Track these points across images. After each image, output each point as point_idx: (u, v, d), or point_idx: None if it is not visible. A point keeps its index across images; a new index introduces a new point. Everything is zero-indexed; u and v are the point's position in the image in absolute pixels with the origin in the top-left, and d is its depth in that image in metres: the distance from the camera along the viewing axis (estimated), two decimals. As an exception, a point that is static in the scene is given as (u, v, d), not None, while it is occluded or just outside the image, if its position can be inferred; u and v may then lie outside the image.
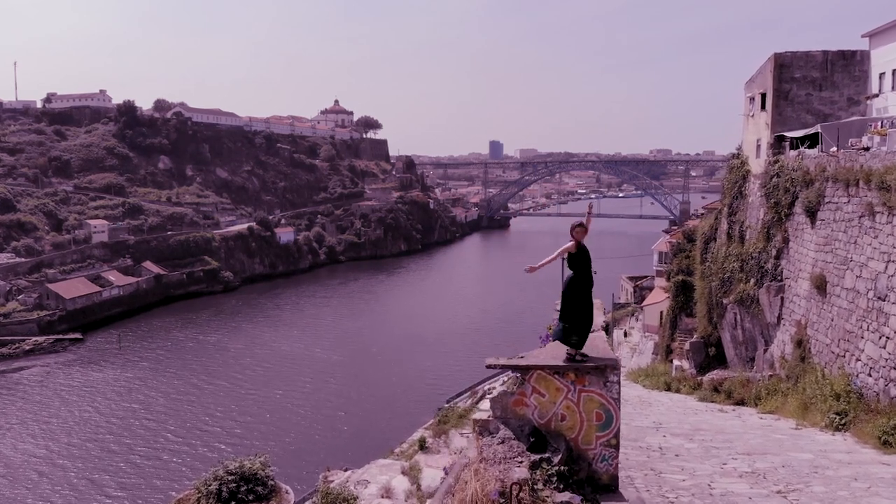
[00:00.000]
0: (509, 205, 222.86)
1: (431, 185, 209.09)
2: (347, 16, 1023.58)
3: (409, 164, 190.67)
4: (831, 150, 16.56)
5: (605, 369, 5.54)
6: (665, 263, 52.99)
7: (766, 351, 18.80)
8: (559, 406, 5.67)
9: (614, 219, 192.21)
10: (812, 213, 16.21)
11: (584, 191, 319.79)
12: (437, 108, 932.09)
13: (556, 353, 5.98)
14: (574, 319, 6.10)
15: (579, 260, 6.57)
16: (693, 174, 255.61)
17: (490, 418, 5.66)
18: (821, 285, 15.43)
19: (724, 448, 9.49)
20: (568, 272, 6.52)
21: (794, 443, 10.26)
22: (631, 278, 64.62)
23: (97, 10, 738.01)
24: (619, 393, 5.59)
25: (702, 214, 42.03)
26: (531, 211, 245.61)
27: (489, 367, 5.84)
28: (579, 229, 6.55)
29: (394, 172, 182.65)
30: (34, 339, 79.86)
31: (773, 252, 18.58)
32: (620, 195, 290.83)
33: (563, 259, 6.57)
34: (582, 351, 5.91)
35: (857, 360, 13.43)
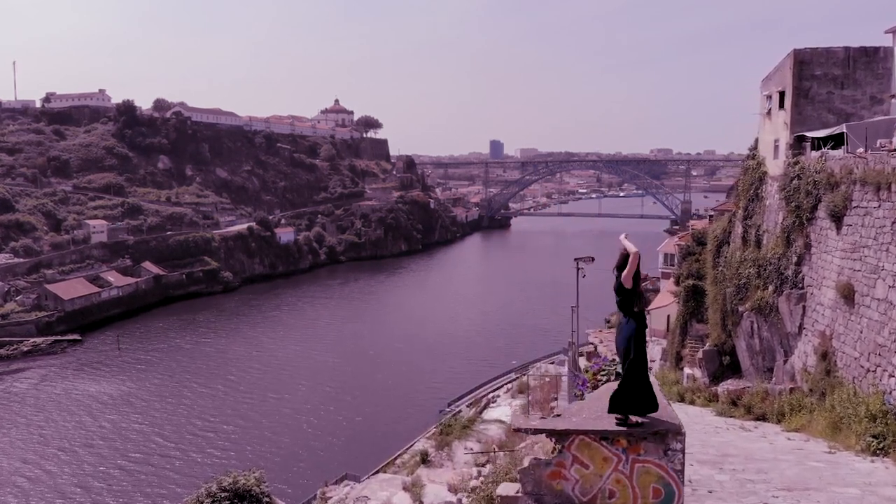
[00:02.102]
0: (510, 204, 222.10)
1: (432, 185, 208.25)
2: (347, 16, 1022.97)
3: (410, 163, 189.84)
4: (858, 151, 15.71)
5: (666, 435, 4.52)
6: (670, 265, 52.00)
7: (785, 362, 17.95)
8: (607, 480, 4.57)
9: (615, 218, 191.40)
10: (837, 218, 15.36)
11: (584, 190, 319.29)
12: (437, 107, 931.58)
13: (600, 409, 4.92)
14: (641, 379, 4.84)
15: (635, 297, 5.47)
16: (694, 174, 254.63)
17: (519, 494, 4.56)
18: (848, 295, 14.57)
19: (759, 481, 8.63)
20: (620, 315, 5.35)
21: (833, 473, 9.40)
22: (635, 280, 63.42)
23: (97, 9, 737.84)
24: (682, 464, 4.52)
25: (710, 216, 41.17)
26: (532, 211, 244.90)
27: (517, 430, 4.78)
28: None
29: (394, 172, 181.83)
30: (32, 340, 79.13)
31: (794, 258, 17.72)
32: (621, 195, 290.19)
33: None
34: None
35: (891, 376, 12.57)
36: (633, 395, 4.53)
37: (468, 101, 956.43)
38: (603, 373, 5.49)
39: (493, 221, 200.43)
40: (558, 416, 4.75)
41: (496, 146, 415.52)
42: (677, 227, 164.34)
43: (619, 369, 5.00)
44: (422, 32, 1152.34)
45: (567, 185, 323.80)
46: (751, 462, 10.02)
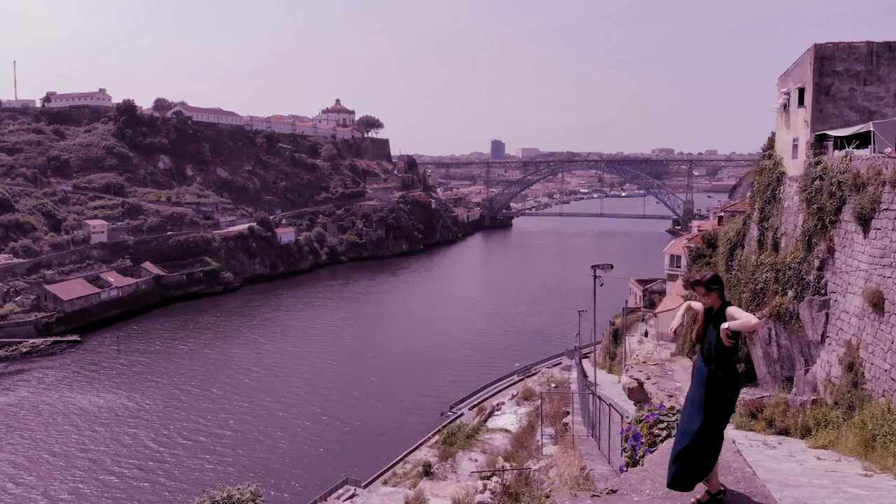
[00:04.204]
0: (511, 204, 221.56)
1: (433, 185, 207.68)
2: (348, 16, 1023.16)
3: (411, 163, 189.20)
4: (887, 150, 14.93)
5: (758, 520, 3.72)
6: (677, 267, 51.22)
7: (807, 372, 17.16)
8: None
9: (617, 219, 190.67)
10: (865, 221, 14.56)
11: (586, 190, 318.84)
12: (438, 107, 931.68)
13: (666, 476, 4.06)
14: (711, 442, 3.98)
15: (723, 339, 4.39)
16: (696, 174, 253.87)
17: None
18: (877, 303, 13.77)
19: (802, 514, 7.80)
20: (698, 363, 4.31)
21: (878, 503, 8.58)
22: (640, 281, 62.64)
23: (100, 10, 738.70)
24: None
25: (719, 216, 40.32)
26: (533, 211, 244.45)
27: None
28: (701, 289, 4.43)
29: (395, 172, 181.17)
30: (31, 341, 78.59)
31: (816, 263, 16.93)
32: (623, 195, 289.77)
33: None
34: (715, 481, 4.07)
35: (928, 390, 11.76)
36: (696, 464, 3.69)
37: (470, 100, 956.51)
38: (661, 425, 4.61)
39: (495, 221, 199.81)
40: (613, 491, 3.87)
41: (497, 146, 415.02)
42: (679, 228, 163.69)
43: (681, 420, 4.18)
44: (423, 32, 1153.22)
45: (568, 185, 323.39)
46: (786, 489, 9.20)
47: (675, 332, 4.55)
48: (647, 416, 4.72)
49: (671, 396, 7.57)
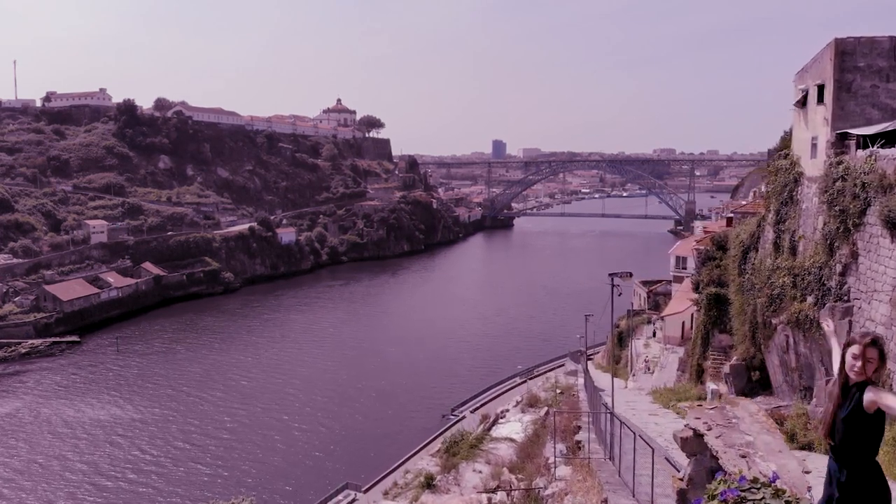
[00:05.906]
0: (513, 204, 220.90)
1: (434, 185, 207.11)
2: (348, 16, 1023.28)
3: (412, 163, 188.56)
4: (916, 150, 14.18)
5: None
6: (682, 268, 50.50)
7: (828, 382, 16.40)
8: None
9: (619, 219, 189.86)
10: (892, 225, 13.81)
11: (587, 190, 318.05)
12: (439, 107, 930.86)
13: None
14: None
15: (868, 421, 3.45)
16: (697, 174, 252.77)
17: None
18: (907, 311, 12.99)
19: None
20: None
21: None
22: (644, 283, 61.76)
23: (101, 10, 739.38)
24: None
25: (728, 217, 39.55)
26: (535, 211, 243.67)
27: None
28: (873, 351, 3.41)
29: (396, 172, 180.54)
30: (30, 342, 78.05)
31: (838, 268, 16.17)
32: (625, 195, 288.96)
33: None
34: None
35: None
36: None
37: (471, 100, 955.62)
38: (744, 505, 3.61)
39: (496, 221, 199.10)
40: None
41: (499, 146, 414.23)
42: (681, 228, 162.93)
43: (770, 500, 3.37)
44: (424, 32, 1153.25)
45: (570, 185, 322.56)
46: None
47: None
48: (725, 492, 3.73)
49: (744, 457, 6.67)
